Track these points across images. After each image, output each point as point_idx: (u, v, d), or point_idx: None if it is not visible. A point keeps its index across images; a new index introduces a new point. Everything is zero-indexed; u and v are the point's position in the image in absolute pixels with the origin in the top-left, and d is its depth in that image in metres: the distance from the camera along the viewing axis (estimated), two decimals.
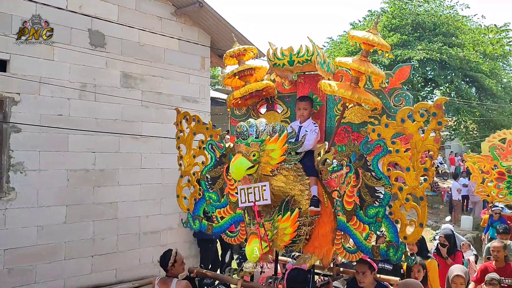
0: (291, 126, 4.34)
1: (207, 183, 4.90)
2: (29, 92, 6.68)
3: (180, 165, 5.14)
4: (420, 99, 20.95)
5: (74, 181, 7.08)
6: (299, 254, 4.45)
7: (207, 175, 4.91)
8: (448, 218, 15.10)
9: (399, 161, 3.78)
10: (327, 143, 4.71)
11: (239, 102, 4.94)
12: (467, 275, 4.87)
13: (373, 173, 3.92)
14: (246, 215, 4.23)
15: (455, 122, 25.58)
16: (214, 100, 9.94)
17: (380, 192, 3.89)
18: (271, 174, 4.00)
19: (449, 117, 23.34)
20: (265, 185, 3.96)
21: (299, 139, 4.38)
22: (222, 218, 4.83)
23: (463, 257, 6.78)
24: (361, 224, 4.00)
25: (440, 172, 22.50)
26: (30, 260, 6.51)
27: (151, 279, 4.85)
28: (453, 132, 26.51)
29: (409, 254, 3.84)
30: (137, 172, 8.07)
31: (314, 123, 4.51)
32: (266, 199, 3.95)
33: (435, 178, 20.38)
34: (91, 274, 7.22)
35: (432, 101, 3.69)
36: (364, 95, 4.05)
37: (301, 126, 4.52)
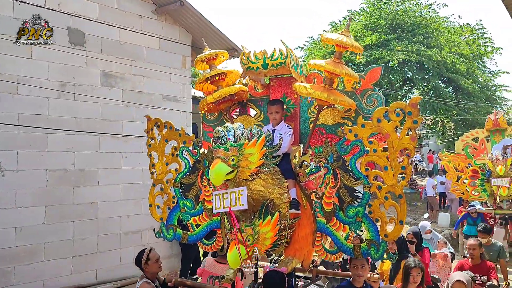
0: (267, 129, 4.32)
1: (181, 191, 4.79)
2: (7, 91, 6.53)
3: (152, 173, 5.00)
4: (399, 98, 21.47)
5: (53, 181, 6.92)
6: (277, 258, 4.41)
7: (181, 181, 4.81)
8: (426, 215, 15.40)
9: (376, 160, 3.82)
10: (302, 145, 4.71)
11: (212, 107, 4.87)
12: (470, 284, 4.90)
13: (351, 173, 3.94)
14: (225, 221, 4.15)
15: (433, 121, 26.20)
16: (195, 99, 9.81)
17: (359, 192, 3.93)
18: (250, 179, 3.95)
19: (427, 116, 23.88)
20: (242, 190, 3.91)
21: (276, 143, 4.37)
22: (198, 225, 4.72)
23: (431, 255, 6.93)
24: (341, 225, 4.01)
25: (418, 170, 23.08)
26: (8, 261, 6.38)
27: (133, 279, 4.74)
28: (430, 131, 27.23)
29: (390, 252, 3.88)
30: (117, 171, 7.91)
31: (288, 126, 4.50)
32: (243, 204, 3.89)
33: (413, 176, 20.89)
34: (71, 275, 7.07)
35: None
36: (339, 97, 4.07)
37: (275, 129, 4.50)
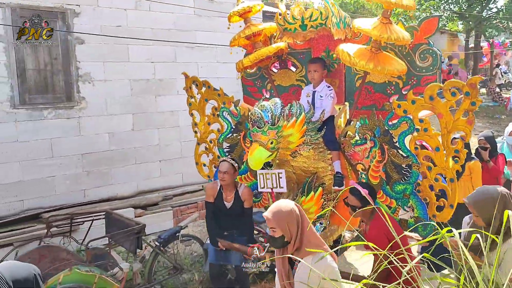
0: (308, 102, 3.99)
1: (225, 151, 4.73)
2: (88, 3, 6.45)
3: (196, 132, 4.91)
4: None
5: (137, 91, 7.01)
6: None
7: (224, 141, 4.72)
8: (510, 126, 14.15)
9: (427, 140, 3.49)
10: (347, 104, 4.37)
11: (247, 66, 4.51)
12: None
13: (399, 151, 3.66)
14: (269, 197, 4.11)
15: None
16: (264, 15, 9.16)
17: (408, 169, 3.68)
18: (290, 157, 3.80)
19: None
20: (281, 173, 3.78)
21: (315, 106, 4.07)
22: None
23: (506, 162, 6.33)
24: (388, 198, 3.85)
25: (504, 82, 21.17)
26: (105, 163, 6.72)
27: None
28: None
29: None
30: None
31: (329, 86, 4.12)
32: (282, 187, 3.80)
33: (496, 89, 19.19)
34: (160, 177, 7.35)
35: None
36: (388, 65, 3.59)
37: (315, 91, 4.15)
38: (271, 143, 3.57)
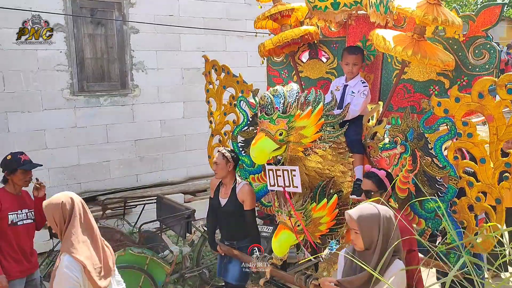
0: (331, 91, 3.39)
1: (239, 146, 4.20)
2: None
3: (211, 122, 4.42)
4: None
5: (187, 79, 7.10)
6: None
7: (239, 135, 4.20)
8: None
9: (471, 148, 2.79)
10: (381, 103, 3.73)
11: (275, 50, 3.99)
12: None
13: (435, 159, 2.98)
14: (275, 198, 3.53)
15: None
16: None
17: (443, 184, 2.98)
18: (303, 155, 3.20)
19: None
20: (294, 170, 3.19)
21: (344, 103, 3.47)
22: (256, 185, 4.18)
23: None
24: (416, 217, 3.17)
25: None
26: (157, 150, 6.92)
27: None
28: None
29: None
30: (243, 71, 7.76)
31: (363, 82, 3.50)
32: (297, 187, 3.20)
33: None
34: (208, 164, 7.31)
35: None
36: (430, 55, 2.94)
37: (347, 85, 3.54)
38: (280, 134, 3.00)
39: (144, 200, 5.40)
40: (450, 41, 3.25)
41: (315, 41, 3.90)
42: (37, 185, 3.83)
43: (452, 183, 2.91)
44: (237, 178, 3.94)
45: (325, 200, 3.24)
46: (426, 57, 2.90)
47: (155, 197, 5.47)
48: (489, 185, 2.72)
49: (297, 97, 3.04)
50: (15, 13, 5.33)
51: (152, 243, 4.67)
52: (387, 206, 2.39)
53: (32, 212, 3.79)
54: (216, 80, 4.27)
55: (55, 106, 6.08)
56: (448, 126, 2.86)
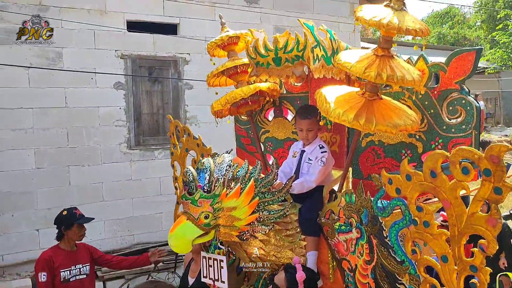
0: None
1: None
2: (197, 51, 6.90)
3: (176, 188, 4.03)
4: None
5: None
6: None
7: None
8: None
9: (429, 241, 2.14)
10: (350, 169, 3.13)
11: (230, 110, 3.54)
12: None
13: (391, 251, 2.34)
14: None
15: None
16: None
17: (403, 284, 2.32)
18: (239, 240, 2.68)
19: None
20: (222, 261, 2.67)
21: (300, 172, 2.94)
22: None
23: None
24: None
25: None
26: None
27: None
28: None
29: None
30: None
31: (322, 147, 2.93)
32: (224, 282, 2.66)
33: None
34: None
35: None
36: (379, 119, 2.35)
37: (304, 150, 3.01)
38: (206, 217, 2.51)
39: None
40: (420, 96, 2.65)
41: (277, 98, 3.42)
42: (156, 252, 4.16)
43: (413, 284, 2.25)
44: None
45: None
46: (372, 122, 2.31)
47: None
48: None
49: (227, 172, 2.56)
50: (80, 75, 5.98)
51: None
52: None
53: (87, 267, 3.85)
54: (179, 143, 3.88)
55: (113, 160, 6.41)
56: (402, 210, 2.23)
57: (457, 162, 1.92)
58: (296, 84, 3.33)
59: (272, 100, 3.52)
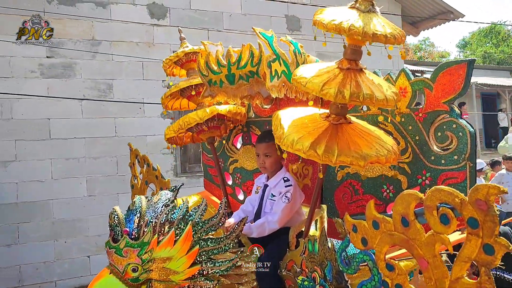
0: (257, 186, 2.40)
1: None
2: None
3: None
4: None
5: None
6: None
7: None
8: None
9: None
10: (324, 207, 2.62)
11: (191, 138, 3.09)
12: None
13: None
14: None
15: None
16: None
17: None
18: None
19: None
20: None
21: (263, 210, 2.45)
22: None
23: None
24: None
25: None
26: None
27: None
28: None
29: None
30: None
31: (287, 180, 2.45)
32: None
33: None
34: None
35: None
36: (342, 149, 1.87)
37: (267, 185, 2.53)
38: (134, 270, 2.03)
39: None
40: (403, 120, 2.16)
41: (243, 123, 2.96)
42: None
43: None
44: None
45: None
46: (334, 152, 1.83)
47: None
48: None
49: (161, 215, 2.09)
50: (129, 105, 6.20)
51: None
52: None
53: None
54: (140, 174, 3.43)
55: None
56: (369, 267, 1.71)
57: (434, 207, 1.42)
58: (264, 106, 2.87)
59: (238, 126, 3.05)
